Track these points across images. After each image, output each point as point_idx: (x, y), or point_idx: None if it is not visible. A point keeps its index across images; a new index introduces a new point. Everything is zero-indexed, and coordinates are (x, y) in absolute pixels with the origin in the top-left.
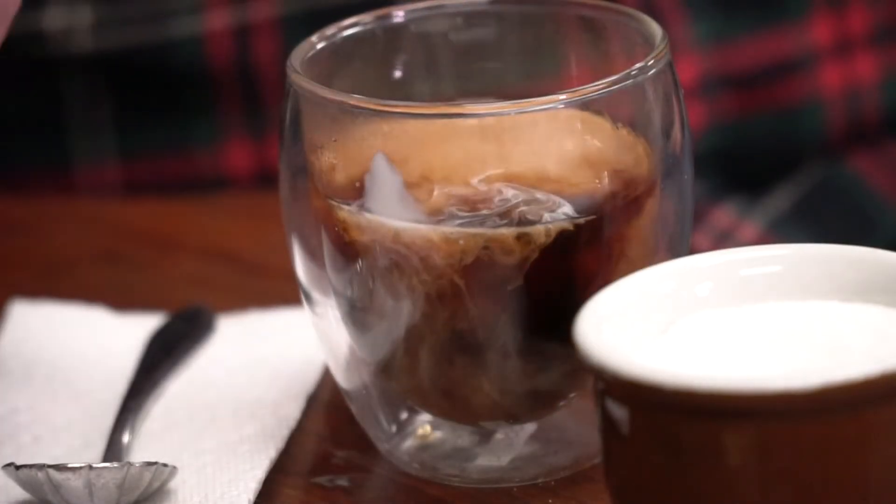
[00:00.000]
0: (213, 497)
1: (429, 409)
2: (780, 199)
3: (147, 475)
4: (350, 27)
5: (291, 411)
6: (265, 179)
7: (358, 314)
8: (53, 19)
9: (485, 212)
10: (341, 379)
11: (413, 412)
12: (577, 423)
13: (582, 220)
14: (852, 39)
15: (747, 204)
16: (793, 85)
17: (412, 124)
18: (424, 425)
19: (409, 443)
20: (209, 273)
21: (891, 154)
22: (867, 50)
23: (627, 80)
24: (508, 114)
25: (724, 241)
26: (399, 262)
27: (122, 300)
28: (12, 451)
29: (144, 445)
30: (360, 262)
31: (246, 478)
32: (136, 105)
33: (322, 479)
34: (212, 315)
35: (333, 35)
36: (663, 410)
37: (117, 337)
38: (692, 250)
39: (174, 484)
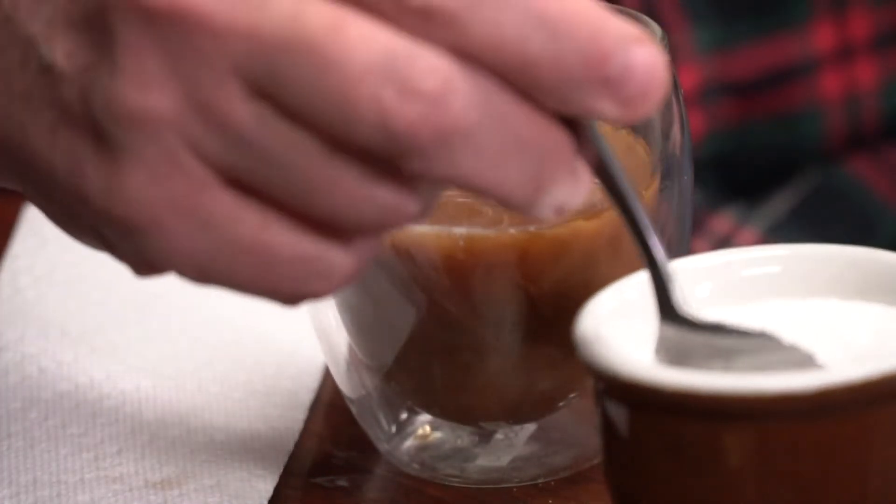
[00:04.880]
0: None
1: (429, 410)
2: (779, 205)
3: None
4: None
5: (296, 415)
6: None
7: (358, 315)
8: None
9: (485, 213)
10: (341, 380)
11: (413, 413)
12: (577, 423)
13: (582, 221)
14: (853, 45)
15: (746, 210)
16: (793, 91)
17: None
18: (424, 426)
19: (408, 443)
20: None
21: (890, 159)
22: (868, 56)
23: None
24: None
25: (723, 246)
26: (399, 262)
27: None
28: (17, 381)
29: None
30: None
31: (257, 486)
32: None
33: (322, 480)
34: None
35: None
36: (663, 411)
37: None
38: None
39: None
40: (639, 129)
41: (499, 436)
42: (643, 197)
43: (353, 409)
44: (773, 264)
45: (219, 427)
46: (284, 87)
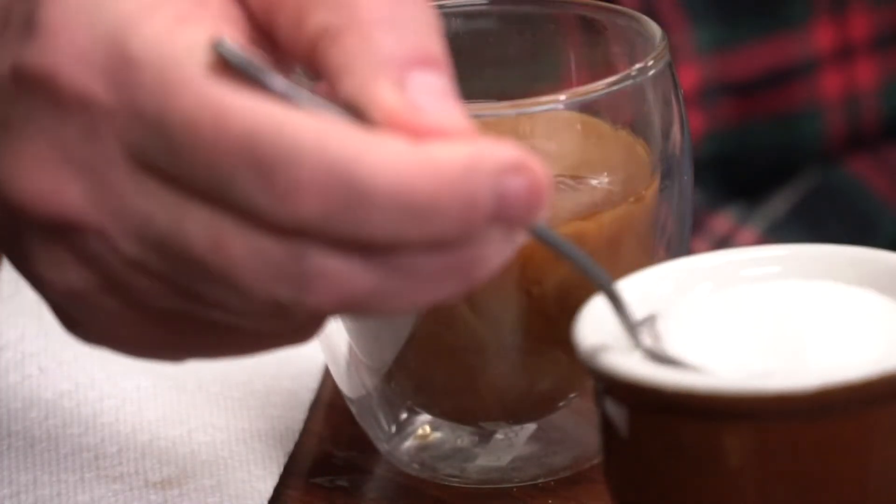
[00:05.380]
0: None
1: (429, 410)
2: (779, 205)
3: None
4: None
5: (296, 415)
6: None
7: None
8: None
9: None
10: (341, 380)
11: (413, 413)
12: (577, 423)
13: (582, 222)
14: (853, 45)
15: (746, 210)
16: (793, 91)
17: None
18: (424, 426)
19: (408, 443)
20: None
21: (890, 159)
22: (868, 56)
23: (627, 80)
24: (508, 115)
25: (723, 246)
26: None
27: None
28: (17, 381)
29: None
30: None
31: (257, 486)
32: None
33: (322, 480)
34: None
35: None
36: (663, 411)
37: None
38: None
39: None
40: (639, 129)
41: (499, 436)
42: (644, 198)
43: (353, 409)
44: (773, 264)
45: (219, 427)
46: (180, 276)
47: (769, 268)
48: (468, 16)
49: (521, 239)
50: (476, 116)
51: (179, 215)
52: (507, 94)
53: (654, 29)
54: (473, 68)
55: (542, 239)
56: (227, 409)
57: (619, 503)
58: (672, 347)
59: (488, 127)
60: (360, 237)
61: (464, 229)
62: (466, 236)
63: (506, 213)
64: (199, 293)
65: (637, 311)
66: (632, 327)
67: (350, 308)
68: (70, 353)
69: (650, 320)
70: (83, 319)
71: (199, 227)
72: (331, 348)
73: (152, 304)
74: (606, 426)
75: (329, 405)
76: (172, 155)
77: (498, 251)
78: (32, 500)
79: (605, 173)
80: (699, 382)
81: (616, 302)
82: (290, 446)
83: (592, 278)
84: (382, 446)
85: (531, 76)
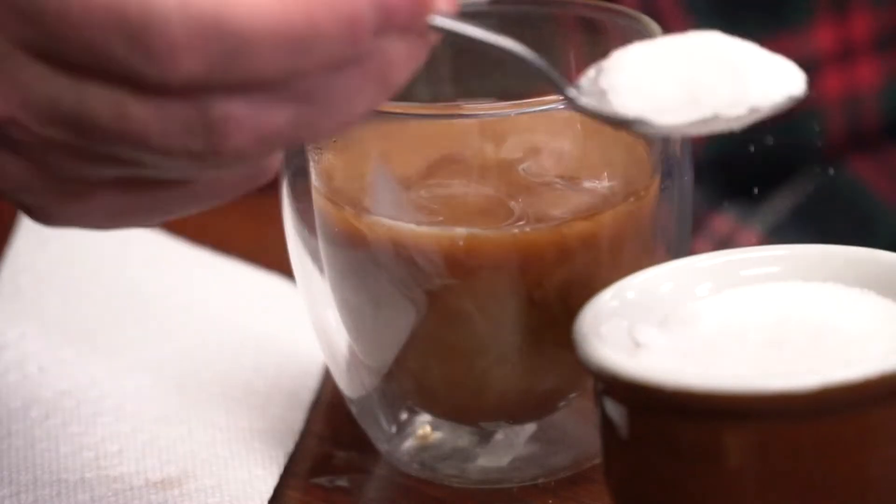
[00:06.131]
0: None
1: (429, 410)
2: (780, 205)
3: None
4: None
5: (296, 415)
6: None
7: (358, 316)
8: None
9: (488, 212)
10: (341, 380)
11: (413, 413)
12: (577, 423)
13: (582, 221)
14: (855, 45)
15: (747, 210)
16: None
17: (412, 125)
18: (424, 426)
19: (409, 443)
20: None
21: (890, 159)
22: (869, 56)
23: None
24: (508, 115)
25: (724, 247)
26: (400, 263)
27: None
28: (17, 380)
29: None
30: (360, 263)
31: (257, 486)
32: None
33: (322, 480)
34: None
35: None
36: (663, 411)
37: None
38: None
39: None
40: None
41: (499, 436)
42: (644, 198)
43: (353, 409)
44: (773, 264)
45: (219, 427)
46: (101, 148)
47: (769, 268)
48: (468, 16)
49: (429, 37)
50: (476, 117)
51: (80, 94)
52: (507, 94)
53: (655, 29)
54: (473, 68)
55: (448, 32)
56: (228, 409)
57: (619, 503)
58: (616, 102)
59: (488, 127)
60: (252, 80)
61: (352, 48)
62: (359, 53)
63: (393, 22)
64: (124, 159)
65: (637, 311)
66: (561, 87)
67: (276, 143)
68: (70, 352)
69: (593, 77)
70: (40, 205)
71: (100, 102)
72: (331, 348)
73: (88, 176)
74: (606, 426)
75: (329, 405)
76: (53, 40)
77: (406, 55)
78: (33, 499)
79: (606, 173)
80: (699, 382)
81: (543, 70)
82: (290, 446)
83: (517, 56)
84: (382, 446)
85: (531, 76)
